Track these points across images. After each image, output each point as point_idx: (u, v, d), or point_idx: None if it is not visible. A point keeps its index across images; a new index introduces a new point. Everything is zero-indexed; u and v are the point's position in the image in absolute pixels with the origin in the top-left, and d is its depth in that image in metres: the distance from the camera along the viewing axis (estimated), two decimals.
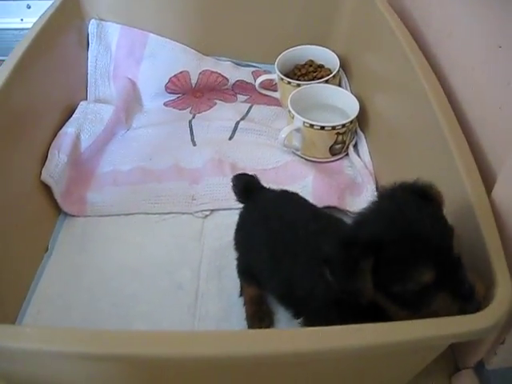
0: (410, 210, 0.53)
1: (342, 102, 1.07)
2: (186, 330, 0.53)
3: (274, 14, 1.20)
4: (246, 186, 0.82)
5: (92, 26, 1.16)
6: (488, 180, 0.65)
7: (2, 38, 1.48)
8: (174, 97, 1.22)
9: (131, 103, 1.16)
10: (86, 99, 1.15)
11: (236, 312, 0.80)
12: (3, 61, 1.43)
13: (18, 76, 0.88)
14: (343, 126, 1.00)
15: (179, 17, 1.20)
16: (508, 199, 0.61)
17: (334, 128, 0.99)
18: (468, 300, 0.51)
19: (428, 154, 0.78)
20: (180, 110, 1.19)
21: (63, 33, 1.08)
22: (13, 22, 1.49)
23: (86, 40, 1.17)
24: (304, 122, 1.00)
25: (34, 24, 0.99)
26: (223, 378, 0.60)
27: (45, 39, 0.98)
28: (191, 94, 1.22)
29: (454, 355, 0.75)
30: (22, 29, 1.49)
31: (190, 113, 1.18)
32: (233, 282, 0.84)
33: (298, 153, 1.05)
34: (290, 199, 0.78)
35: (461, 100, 0.79)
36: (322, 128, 0.99)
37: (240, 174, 0.85)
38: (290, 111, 1.02)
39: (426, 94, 0.77)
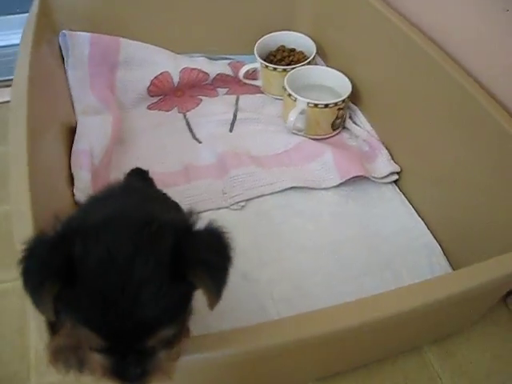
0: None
1: (331, 81, 1.13)
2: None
3: (238, 5, 1.22)
4: None
5: (62, 38, 1.11)
6: None
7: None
8: (156, 99, 1.20)
9: (118, 111, 1.13)
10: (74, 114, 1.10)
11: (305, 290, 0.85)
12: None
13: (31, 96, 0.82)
14: (343, 101, 1.06)
15: (145, 17, 1.18)
16: None
17: (336, 104, 1.05)
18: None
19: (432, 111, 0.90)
20: (166, 111, 1.18)
21: (44, 48, 1.02)
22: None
23: (60, 53, 1.12)
24: (308, 103, 1.04)
25: (22, 42, 0.92)
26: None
27: (34, 58, 0.92)
28: (172, 94, 1.21)
29: None
30: None
31: (179, 112, 1.17)
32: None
33: (301, 133, 1.10)
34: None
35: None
36: (326, 106, 1.04)
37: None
38: (290, 95, 1.06)
39: (426, 53, 0.87)
